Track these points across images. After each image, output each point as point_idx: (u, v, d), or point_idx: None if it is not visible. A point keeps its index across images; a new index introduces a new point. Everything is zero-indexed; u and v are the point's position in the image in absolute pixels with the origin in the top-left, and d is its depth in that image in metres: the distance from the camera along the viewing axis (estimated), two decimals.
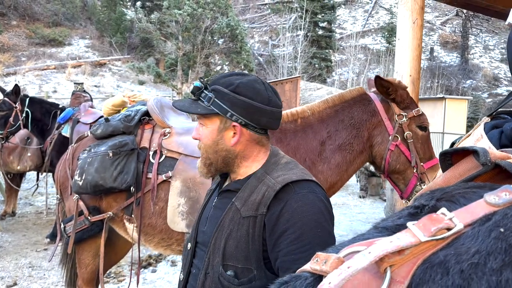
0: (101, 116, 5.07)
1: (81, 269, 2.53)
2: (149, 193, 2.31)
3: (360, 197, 8.34)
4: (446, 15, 29.55)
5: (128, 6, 26.86)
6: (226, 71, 16.94)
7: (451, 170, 0.78)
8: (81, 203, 2.39)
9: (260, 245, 1.14)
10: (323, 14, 24.30)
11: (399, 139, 2.22)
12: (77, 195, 2.39)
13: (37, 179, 6.29)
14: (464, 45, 24.52)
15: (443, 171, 0.84)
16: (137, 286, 2.71)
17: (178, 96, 15.85)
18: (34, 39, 23.66)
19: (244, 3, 33.17)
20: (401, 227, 0.60)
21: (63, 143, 5.13)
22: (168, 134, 2.38)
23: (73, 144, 2.59)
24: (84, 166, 2.31)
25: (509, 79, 23.52)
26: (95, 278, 2.62)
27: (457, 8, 27.92)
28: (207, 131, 1.26)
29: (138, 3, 24.00)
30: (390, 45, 24.73)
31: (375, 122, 2.24)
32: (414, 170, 2.21)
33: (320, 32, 24.46)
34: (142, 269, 4.40)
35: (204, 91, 1.23)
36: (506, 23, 1.19)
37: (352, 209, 7.58)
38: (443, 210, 0.57)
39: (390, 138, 2.21)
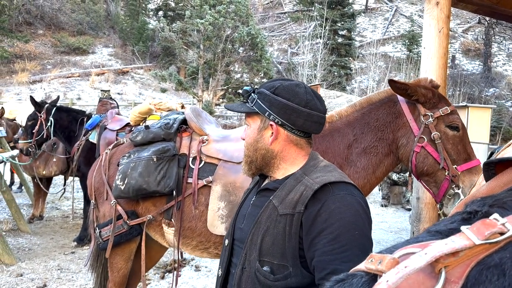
0: (128, 123, 5.22)
1: (113, 273, 2.60)
2: (189, 197, 2.38)
3: (382, 205, 8.27)
4: (468, 22, 29.18)
5: (150, 16, 27.40)
6: (246, 79, 17.13)
7: (495, 180, 0.81)
8: (119, 207, 2.47)
9: (297, 243, 1.16)
10: (342, 22, 24.30)
11: (426, 140, 2.14)
12: (114, 200, 2.47)
13: (64, 184, 6.46)
14: (487, 52, 24.12)
15: (486, 180, 0.87)
16: (175, 287, 2.77)
17: (198, 104, 16.06)
18: (59, 47, 24.35)
19: (263, 12, 33.44)
20: (454, 231, 0.64)
21: (90, 149, 5.28)
22: (206, 141, 2.46)
23: (107, 151, 2.68)
24: (127, 171, 2.39)
25: None
26: (126, 282, 2.69)
27: (480, 16, 27.51)
28: (249, 130, 1.36)
29: (161, 13, 24.48)
30: (411, 53, 24.53)
31: (399, 123, 2.20)
32: (446, 173, 2.11)
33: (340, 40, 24.45)
34: (167, 273, 4.48)
35: (252, 94, 1.32)
36: None
37: (375, 217, 7.51)
38: (496, 215, 0.61)
39: (415, 139, 2.15)
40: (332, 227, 1.11)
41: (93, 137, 5.29)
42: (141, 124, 4.87)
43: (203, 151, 2.42)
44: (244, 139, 1.39)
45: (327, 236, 1.11)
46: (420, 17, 29.74)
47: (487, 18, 24.61)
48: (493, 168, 0.84)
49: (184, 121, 2.59)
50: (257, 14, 29.10)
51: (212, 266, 4.72)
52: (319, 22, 23.88)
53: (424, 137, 2.14)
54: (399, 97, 2.23)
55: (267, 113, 1.28)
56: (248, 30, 15.11)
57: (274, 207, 1.22)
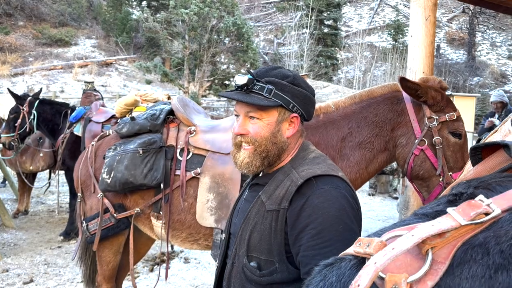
0: (113, 115, 5.15)
1: (102, 266, 2.59)
2: (177, 189, 2.36)
3: (369, 194, 8.36)
4: (452, 12, 29.43)
5: (134, 6, 26.97)
6: (233, 70, 17.04)
7: (482, 164, 0.82)
8: (106, 200, 2.45)
9: (282, 239, 1.16)
10: (328, 12, 24.28)
11: (426, 143, 2.06)
12: (101, 193, 2.45)
13: (49, 178, 6.38)
14: (471, 42, 24.39)
15: (473, 165, 0.88)
16: (166, 280, 2.77)
17: (185, 96, 15.94)
18: (41, 39, 23.83)
19: (249, 1, 33.19)
20: (441, 213, 0.65)
21: (75, 142, 5.21)
22: (194, 132, 2.43)
23: (93, 143, 2.64)
24: (112, 164, 2.36)
25: None
26: (115, 275, 2.68)
27: (464, 5, 27.76)
28: (263, 123, 1.26)
29: (144, 3, 24.12)
30: (396, 43, 24.66)
31: (401, 122, 2.13)
32: (440, 179, 2.04)
33: (326, 30, 24.45)
34: (156, 266, 4.47)
35: (257, 83, 1.22)
36: None
37: (362, 206, 7.57)
38: (481, 197, 0.62)
39: (416, 141, 2.07)
40: (316, 222, 1.11)
41: (77, 130, 5.21)
42: (127, 115, 4.81)
43: (191, 142, 2.40)
44: (242, 134, 1.29)
45: (310, 231, 1.11)
46: (405, 6, 29.89)
47: (471, 8, 24.86)
48: (479, 153, 0.85)
49: (171, 112, 2.56)
50: (242, 4, 28.87)
51: (201, 258, 4.73)
52: (305, 12, 23.82)
53: (425, 140, 2.06)
54: (404, 95, 2.14)
55: (291, 105, 1.24)
56: (234, 20, 15.00)
57: (262, 202, 1.22)
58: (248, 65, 15.81)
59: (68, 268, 4.39)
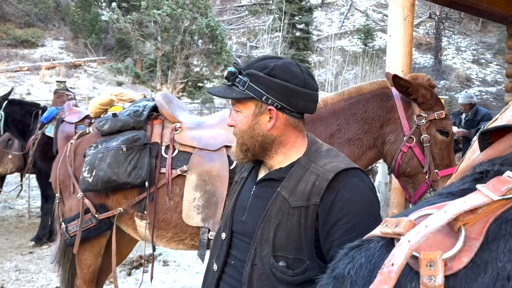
0: (87, 115, 5.00)
1: (82, 269, 2.48)
2: (162, 188, 2.30)
3: None
4: (419, 17, 30.32)
5: (103, 7, 26.42)
6: (206, 72, 16.93)
7: (492, 148, 0.83)
8: (86, 201, 2.36)
9: (313, 235, 1.13)
10: (300, 16, 24.53)
11: (414, 141, 2.09)
12: (81, 193, 2.36)
13: (21, 181, 6.12)
14: (438, 46, 25.19)
15: (481, 150, 0.89)
16: (151, 282, 2.69)
17: None
18: (5, 40, 22.97)
19: (221, 4, 33.15)
20: (468, 191, 0.64)
21: (46, 144, 5.03)
22: (179, 129, 2.37)
23: (72, 141, 2.54)
24: (94, 162, 2.27)
25: (480, 79, 24.31)
26: (96, 278, 2.59)
27: (430, 11, 28.68)
28: (242, 116, 1.25)
29: (114, 4, 23.67)
30: (366, 47, 25.19)
31: (390, 119, 2.13)
32: (426, 177, 2.07)
33: (298, 33, 24.68)
34: (134, 270, 4.35)
35: (239, 76, 1.22)
36: None
37: None
38: (509, 173, 0.62)
39: (404, 138, 2.09)
40: (348, 216, 1.10)
41: (49, 131, 5.03)
42: (101, 115, 4.68)
43: (176, 139, 2.35)
44: (232, 126, 1.30)
45: (343, 226, 1.09)
46: (374, 11, 30.60)
47: (437, 13, 25.70)
48: (488, 137, 0.85)
49: (154, 108, 2.50)
50: (214, 7, 28.79)
51: (180, 261, 4.65)
52: (277, 15, 23.98)
53: (413, 137, 2.09)
54: (394, 92, 2.16)
55: (265, 97, 1.19)
56: (207, 22, 14.91)
57: (284, 199, 1.16)
58: (222, 67, 15.75)
59: (41, 274, 4.21)
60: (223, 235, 1.32)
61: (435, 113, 2.10)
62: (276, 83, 1.19)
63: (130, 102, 4.97)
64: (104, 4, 26.27)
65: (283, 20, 21.49)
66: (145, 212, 2.34)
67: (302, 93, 1.21)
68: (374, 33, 26.83)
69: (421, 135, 2.08)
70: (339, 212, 1.10)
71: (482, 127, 1.17)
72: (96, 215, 2.35)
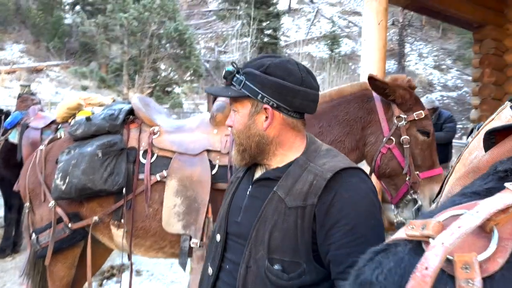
0: (54, 120, 4.79)
1: (54, 282, 2.34)
2: (141, 195, 2.20)
3: None
4: None
5: (66, 10, 25.64)
6: (175, 77, 16.73)
7: (498, 147, 0.82)
8: (59, 209, 2.23)
9: (310, 237, 1.07)
10: (268, 22, 24.73)
11: (394, 142, 2.06)
12: (53, 202, 2.23)
13: None
14: (401, 52, 26.00)
15: (486, 150, 0.88)
16: None
17: None
18: None
19: (188, 9, 32.93)
20: (494, 189, 0.62)
21: (10, 150, 4.78)
22: (158, 133, 2.28)
23: (42, 147, 2.40)
24: (67, 169, 2.15)
25: (441, 84, 25.25)
26: None
27: (393, 18, 29.58)
28: (239, 116, 1.22)
29: (78, 7, 23.04)
30: (332, 53, 25.68)
31: (371, 120, 2.11)
32: (406, 178, 2.04)
33: (266, 39, 24.85)
34: (105, 280, 4.19)
35: (236, 75, 1.18)
36: None
37: None
38: None
39: (384, 140, 2.07)
40: (348, 218, 1.04)
41: (13, 137, 4.79)
42: (69, 121, 4.50)
43: (155, 144, 2.26)
44: (231, 126, 1.25)
45: (342, 228, 1.04)
46: (340, 18, 31.26)
47: (400, 20, 26.53)
48: (493, 137, 0.84)
49: (130, 112, 2.40)
50: (181, 11, 28.57)
51: (154, 270, 4.51)
52: (245, 21, 24.06)
53: (393, 139, 2.06)
54: (374, 94, 2.14)
55: (260, 95, 1.15)
56: (175, 26, 14.75)
57: (280, 199, 1.12)
58: (191, 72, 15.62)
59: None
60: (218, 237, 1.26)
61: (414, 114, 2.08)
62: (270, 81, 1.15)
63: (100, 106, 4.80)
64: (67, 7, 25.49)
65: (252, 26, 21.56)
66: (122, 220, 2.24)
67: (299, 91, 1.16)
68: (340, 40, 27.39)
69: (401, 136, 2.06)
70: (337, 213, 1.05)
71: (477, 128, 1.17)
72: (70, 225, 2.23)
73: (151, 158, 2.25)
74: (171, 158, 2.24)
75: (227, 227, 1.25)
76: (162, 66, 16.65)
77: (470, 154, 1.10)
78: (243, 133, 1.21)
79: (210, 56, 27.77)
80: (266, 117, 1.18)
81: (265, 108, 1.17)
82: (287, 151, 1.21)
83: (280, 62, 1.18)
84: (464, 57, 24.71)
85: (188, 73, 16.23)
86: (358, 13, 32.86)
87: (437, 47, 28.57)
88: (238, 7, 26.01)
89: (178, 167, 2.20)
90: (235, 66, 1.21)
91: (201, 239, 2.16)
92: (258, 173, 1.27)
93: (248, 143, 1.20)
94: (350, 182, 1.09)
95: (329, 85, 20.94)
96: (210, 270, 1.25)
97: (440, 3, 4.16)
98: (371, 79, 2.06)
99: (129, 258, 2.41)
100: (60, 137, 2.44)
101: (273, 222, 1.10)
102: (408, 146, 2.04)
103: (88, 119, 2.31)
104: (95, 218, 2.22)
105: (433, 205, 1.22)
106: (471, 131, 1.18)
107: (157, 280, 4.26)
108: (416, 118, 2.07)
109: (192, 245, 2.15)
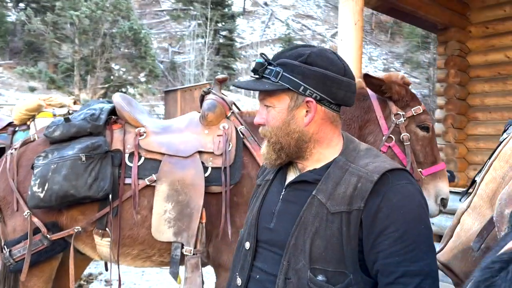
0: (10, 123, 4.42)
1: None
2: (128, 201, 2.05)
3: None
4: (335, 27, 32.05)
5: (9, 7, 24.12)
6: (129, 77, 16.17)
7: None
8: (35, 219, 2.03)
9: (356, 245, 0.99)
10: (223, 23, 24.65)
11: (394, 140, 2.02)
12: (28, 211, 2.02)
13: None
14: None
15: None
16: None
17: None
18: None
19: (140, 8, 32.09)
20: None
21: None
22: (145, 134, 2.13)
23: (13, 151, 2.17)
24: (46, 175, 1.96)
25: None
26: None
27: None
28: (275, 112, 1.11)
29: (22, 4, 21.76)
30: None
31: (369, 119, 2.07)
32: None
33: (222, 40, 24.76)
34: None
35: (269, 67, 1.08)
36: None
37: None
38: None
39: (383, 138, 2.02)
40: (397, 224, 0.97)
41: None
42: (27, 123, 4.18)
43: (142, 146, 2.11)
44: (262, 124, 1.14)
45: (391, 235, 0.96)
46: (294, 21, 31.75)
47: None
48: None
49: (112, 111, 2.24)
50: (134, 11, 27.80)
51: (125, 279, 4.28)
52: (200, 21, 23.82)
53: (392, 136, 2.03)
54: (369, 92, 2.10)
55: (302, 88, 1.05)
56: (130, 25, 14.28)
57: (321, 203, 1.03)
58: (147, 72, 15.19)
59: None
60: (247, 245, 1.15)
61: (412, 109, 2.06)
62: (314, 71, 1.05)
63: (61, 107, 4.50)
64: (10, 4, 23.99)
65: (208, 26, 21.37)
66: (107, 229, 2.07)
67: (343, 81, 1.07)
68: (295, 42, 27.81)
69: (401, 134, 2.03)
70: (385, 219, 0.97)
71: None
72: (48, 236, 2.03)
73: (138, 161, 2.10)
74: (160, 161, 2.10)
75: (257, 235, 1.15)
76: (116, 66, 16.06)
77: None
78: (281, 130, 1.10)
79: (163, 57, 27.21)
80: (307, 112, 1.09)
81: (308, 102, 1.08)
82: (325, 150, 1.12)
83: (320, 51, 1.09)
84: (412, 60, 25.91)
85: (143, 74, 15.76)
86: (310, 17, 33.58)
87: (386, 50, 29.77)
88: (192, 8, 25.70)
89: (169, 170, 2.07)
90: (265, 57, 1.10)
91: (195, 247, 2.05)
92: (291, 175, 1.17)
93: (287, 141, 1.10)
94: (398, 185, 1.01)
95: None
96: (239, 281, 1.14)
97: (410, 5, 4.28)
98: (366, 76, 2.03)
99: (105, 267, 2.23)
100: (34, 140, 2.22)
101: (314, 229, 1.02)
102: (408, 143, 2.02)
103: (67, 119, 2.11)
104: (78, 227, 2.04)
105: (464, 202, 1.20)
106: (507, 127, 1.16)
107: None
108: (414, 114, 2.06)
109: (185, 253, 2.03)
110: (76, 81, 14.88)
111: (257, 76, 1.10)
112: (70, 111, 2.48)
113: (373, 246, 0.98)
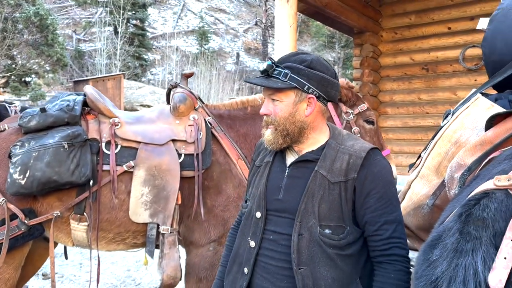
0: None
1: None
2: (106, 186, 2.19)
3: None
4: (248, 23, 32.79)
5: None
6: (34, 66, 14.98)
7: (499, 127, 1.17)
8: (11, 206, 2.07)
9: (351, 205, 1.34)
10: (134, 12, 23.80)
11: None
12: (3, 198, 2.06)
13: None
14: (264, 51, 27.79)
15: (486, 129, 1.23)
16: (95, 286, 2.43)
17: None
18: None
19: None
20: None
21: None
22: (119, 124, 2.29)
23: None
24: (28, 162, 2.03)
25: None
26: None
27: (256, 19, 31.33)
28: (282, 105, 1.40)
29: None
30: (202, 48, 26.06)
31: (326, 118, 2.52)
32: None
33: (133, 29, 23.90)
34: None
35: (277, 68, 1.38)
36: (478, 27, 1.67)
37: None
38: None
39: None
40: (378, 187, 1.33)
41: None
42: None
43: (118, 134, 2.26)
44: (267, 114, 1.43)
45: (375, 195, 1.33)
46: (207, 14, 31.75)
47: (264, 21, 28.29)
48: (493, 119, 1.20)
49: (84, 103, 2.34)
50: None
51: (63, 271, 4.23)
52: (108, 9, 22.74)
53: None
54: None
55: (306, 87, 1.37)
56: (35, 9, 13.24)
57: (323, 176, 1.35)
58: (55, 60, 14.23)
59: None
60: (258, 214, 1.44)
61: (358, 107, 2.55)
62: (316, 74, 1.38)
63: None
64: None
65: (121, 15, 20.50)
66: (85, 213, 2.19)
67: (335, 83, 1.43)
68: (209, 36, 27.92)
69: (352, 128, 2.47)
70: (370, 184, 1.34)
71: (452, 113, 1.54)
72: (26, 221, 2.09)
73: (115, 149, 2.25)
74: (136, 149, 2.27)
75: (267, 205, 1.44)
76: (20, 54, 14.77)
77: (455, 133, 1.49)
78: (288, 120, 1.40)
79: (67, 44, 25.45)
80: (307, 105, 1.42)
81: (309, 98, 1.41)
82: (318, 135, 1.46)
83: (317, 59, 1.43)
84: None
85: (50, 62, 14.74)
86: (223, 11, 33.85)
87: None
88: None
89: (146, 156, 2.25)
90: (273, 60, 1.40)
91: (171, 226, 2.26)
92: (290, 157, 1.48)
93: (293, 129, 1.41)
94: (376, 159, 1.38)
95: (200, 79, 21.27)
96: (252, 243, 1.42)
97: (334, 11, 4.83)
98: None
99: (97, 250, 2.32)
100: (4, 130, 2.23)
101: (319, 196, 1.34)
102: (359, 135, 2.47)
103: (43, 110, 2.18)
104: (57, 212, 2.13)
105: (413, 172, 1.60)
106: (447, 115, 1.56)
107: (70, 281, 4.02)
108: (360, 111, 2.54)
109: (163, 232, 2.23)
110: None
111: (265, 75, 1.40)
112: None
113: (363, 204, 1.35)
